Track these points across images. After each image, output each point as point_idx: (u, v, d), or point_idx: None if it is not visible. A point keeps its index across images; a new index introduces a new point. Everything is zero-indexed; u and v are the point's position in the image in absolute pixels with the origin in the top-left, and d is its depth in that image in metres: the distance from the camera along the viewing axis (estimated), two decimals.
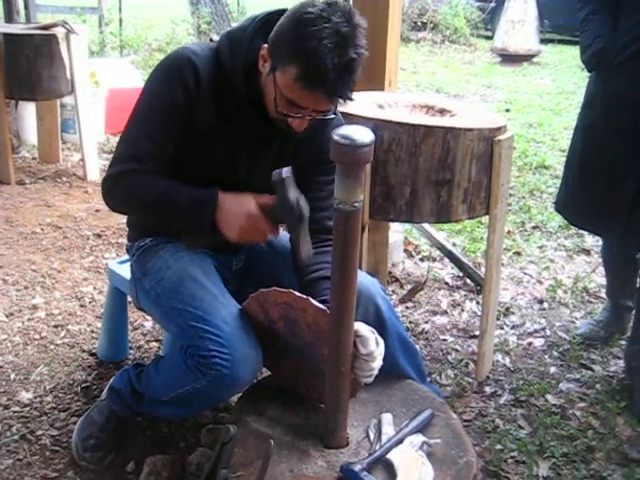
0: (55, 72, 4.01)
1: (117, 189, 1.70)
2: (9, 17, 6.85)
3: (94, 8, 9.09)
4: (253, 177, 1.74)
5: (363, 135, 1.34)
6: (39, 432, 2.02)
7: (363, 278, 1.75)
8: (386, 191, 2.15)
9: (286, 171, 1.53)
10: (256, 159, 1.73)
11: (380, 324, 1.74)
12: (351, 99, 1.54)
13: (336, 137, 1.34)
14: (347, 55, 1.45)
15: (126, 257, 2.17)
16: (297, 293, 1.57)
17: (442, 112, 2.36)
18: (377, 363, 1.54)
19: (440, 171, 2.12)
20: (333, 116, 1.64)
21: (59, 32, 4.01)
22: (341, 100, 1.53)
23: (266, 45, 1.56)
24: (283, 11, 1.60)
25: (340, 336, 1.48)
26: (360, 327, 1.54)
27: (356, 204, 1.38)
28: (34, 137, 4.78)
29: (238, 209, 1.60)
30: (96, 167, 4.35)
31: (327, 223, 1.76)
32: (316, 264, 1.74)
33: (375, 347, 1.53)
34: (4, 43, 3.86)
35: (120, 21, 9.44)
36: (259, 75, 1.61)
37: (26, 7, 7.56)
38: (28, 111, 4.79)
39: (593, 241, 3.63)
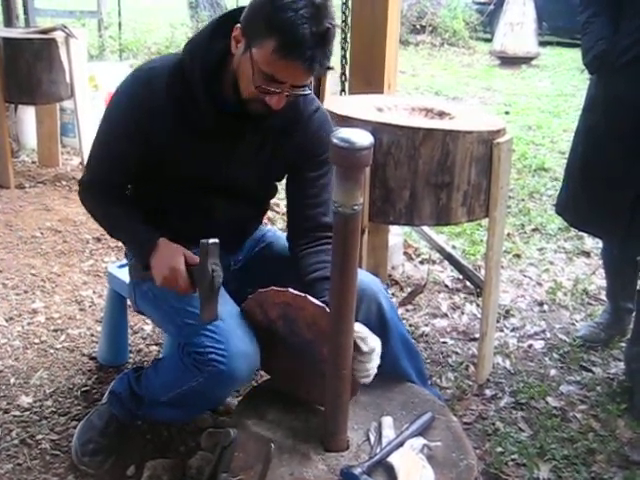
0: (54, 76, 4.01)
1: (85, 199, 1.84)
2: (8, 21, 6.85)
3: (93, 12, 9.08)
4: (235, 175, 1.75)
5: (362, 138, 1.34)
6: (39, 436, 2.02)
7: (365, 277, 1.75)
8: (385, 194, 2.15)
9: (213, 243, 1.55)
10: (232, 156, 1.73)
11: (382, 324, 1.75)
12: (329, 68, 1.56)
13: (335, 140, 1.33)
14: (323, 25, 1.47)
15: (125, 261, 2.17)
16: (295, 291, 1.57)
17: (441, 115, 2.36)
18: (374, 363, 1.54)
19: (439, 174, 2.12)
20: (309, 92, 1.63)
21: (58, 36, 4.01)
22: (320, 69, 1.52)
23: (238, 25, 1.56)
24: (240, 9, 1.61)
25: (340, 339, 1.48)
26: (358, 327, 1.54)
27: (356, 207, 1.37)
28: (34, 141, 4.78)
29: (166, 260, 1.64)
30: None
31: (323, 219, 1.76)
32: (316, 264, 1.74)
33: (374, 346, 1.53)
34: (3, 47, 3.86)
35: (119, 25, 9.44)
36: (226, 70, 1.62)
37: (25, 11, 7.56)
38: (28, 115, 4.78)
39: (593, 243, 3.63)
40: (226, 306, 1.68)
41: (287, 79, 1.53)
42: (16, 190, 4.13)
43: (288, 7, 1.45)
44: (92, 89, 4.78)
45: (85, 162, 1.89)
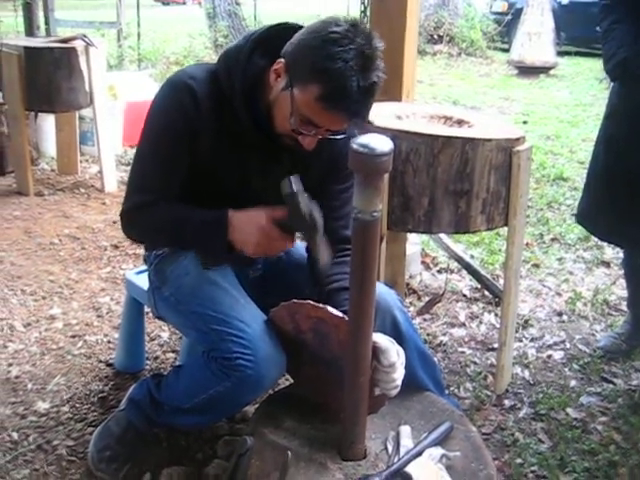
0: (74, 84, 4.05)
1: (134, 223, 1.74)
2: (30, 31, 6.95)
3: (113, 23, 9.18)
4: (267, 193, 1.73)
5: (382, 144, 1.33)
6: (55, 442, 2.02)
7: (380, 289, 1.73)
8: (404, 202, 2.14)
9: (295, 181, 1.51)
10: (266, 175, 1.72)
11: (398, 336, 1.72)
12: (369, 122, 1.55)
13: (355, 146, 1.32)
14: (371, 78, 1.45)
15: (143, 267, 2.18)
16: (333, 310, 1.55)
17: (460, 123, 2.34)
18: (399, 374, 1.52)
19: (458, 182, 2.11)
20: (342, 136, 1.62)
21: (78, 45, 4.05)
22: (360, 122, 1.54)
23: (282, 60, 1.54)
24: (281, 26, 1.61)
25: (358, 346, 1.47)
26: (379, 338, 1.53)
27: (375, 214, 1.36)
28: (53, 149, 4.82)
29: (250, 225, 1.59)
30: (114, 179, 4.38)
31: (344, 232, 1.75)
32: (335, 274, 1.73)
33: (396, 358, 1.51)
34: (25, 56, 3.91)
35: (138, 35, 9.53)
36: (262, 91, 1.61)
37: (46, 22, 7.67)
38: (47, 123, 4.83)
39: (613, 253, 3.59)
40: (250, 310, 1.68)
41: (325, 125, 1.54)
42: (35, 197, 4.17)
43: (338, 56, 1.42)
44: (111, 98, 4.82)
45: (102, 172, 1.87)
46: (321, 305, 1.57)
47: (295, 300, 1.61)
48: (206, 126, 1.63)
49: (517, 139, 2.17)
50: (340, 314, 1.54)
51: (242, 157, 1.69)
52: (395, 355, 1.52)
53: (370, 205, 1.36)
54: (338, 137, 1.60)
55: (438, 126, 2.32)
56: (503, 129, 2.29)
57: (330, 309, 1.56)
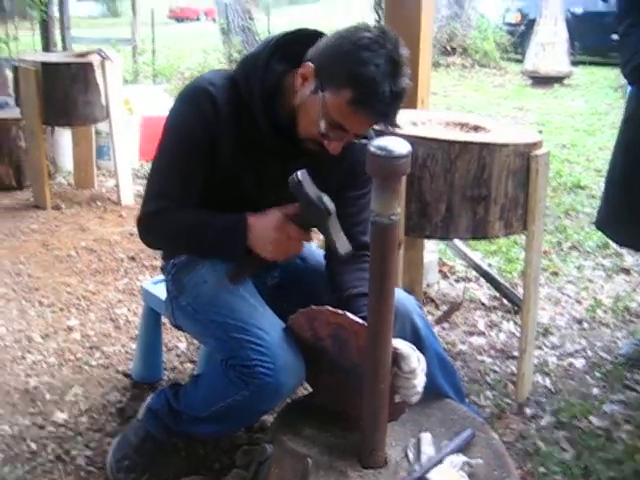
0: (90, 98, 4.09)
1: (152, 229, 1.73)
2: (47, 48, 7.05)
3: (128, 39, 9.31)
4: (285, 200, 1.73)
5: (400, 146, 1.32)
6: (74, 452, 2.02)
7: (399, 295, 1.72)
8: (421, 208, 2.13)
9: (301, 173, 1.51)
10: (285, 182, 1.71)
11: (417, 342, 1.70)
12: (398, 126, 1.55)
13: (372, 149, 1.31)
14: (400, 83, 1.47)
15: (160, 277, 2.17)
16: (352, 316, 1.54)
17: (476, 129, 2.33)
18: (420, 380, 1.50)
19: (476, 187, 2.09)
20: (367, 140, 1.62)
21: (94, 59, 4.09)
22: (389, 126, 1.54)
23: (310, 64, 1.54)
24: (298, 32, 1.62)
25: (378, 352, 1.45)
26: (400, 344, 1.51)
27: (393, 217, 1.35)
28: (70, 164, 4.86)
29: (266, 225, 1.59)
30: (130, 192, 4.40)
31: (362, 238, 1.74)
32: (353, 281, 1.72)
33: (417, 364, 1.50)
34: (42, 71, 3.95)
35: (153, 51, 9.66)
36: (281, 96, 1.61)
37: (63, 39, 7.78)
38: (64, 138, 4.88)
39: (633, 260, 3.55)
40: (268, 317, 1.67)
41: (354, 129, 1.55)
42: (52, 211, 4.20)
43: (370, 60, 1.44)
44: (127, 112, 4.85)
45: (119, 185, 1.86)
46: (340, 311, 1.55)
47: (313, 306, 1.60)
48: (225, 132, 1.63)
49: (535, 144, 2.15)
50: (359, 320, 1.53)
51: (261, 163, 1.68)
52: (416, 361, 1.50)
53: (388, 208, 1.35)
54: (362, 141, 1.60)
55: (454, 132, 2.31)
56: (520, 134, 2.27)
57: (349, 315, 1.54)
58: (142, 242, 1.78)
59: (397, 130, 1.59)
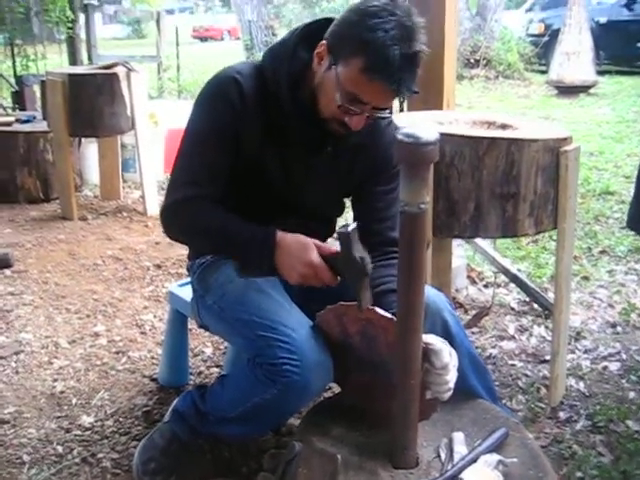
0: (116, 109, 4.12)
1: (177, 218, 1.69)
2: (74, 64, 7.17)
3: (153, 56, 9.42)
4: (307, 188, 1.71)
5: (428, 133, 1.29)
6: (100, 455, 2.00)
7: (430, 292, 1.68)
8: (449, 207, 2.09)
9: (352, 229, 1.48)
10: (310, 168, 1.71)
11: (448, 339, 1.65)
12: (415, 91, 1.51)
13: (400, 136, 1.29)
14: (413, 47, 1.45)
15: (186, 280, 2.16)
16: (381, 311, 1.51)
17: (504, 127, 2.29)
18: (452, 375, 1.46)
19: (505, 184, 2.05)
20: (390, 115, 1.61)
21: (120, 71, 4.13)
22: (406, 92, 1.50)
23: (324, 42, 1.54)
24: (322, 21, 1.62)
25: (408, 346, 1.41)
26: (431, 339, 1.47)
27: (422, 205, 1.32)
28: (96, 176, 4.91)
29: (299, 255, 1.56)
30: (156, 203, 4.41)
31: (389, 234, 1.71)
32: (382, 277, 1.68)
33: (449, 359, 1.46)
34: (68, 83, 4.00)
35: (177, 67, 9.76)
36: (306, 84, 1.60)
37: (89, 57, 7.91)
38: (90, 151, 4.93)
39: None
40: (295, 315, 1.64)
41: (371, 100, 1.52)
42: (79, 222, 4.23)
43: (378, 27, 1.44)
44: (152, 125, 4.89)
45: (144, 196, 1.83)
46: (370, 307, 1.52)
47: (342, 302, 1.57)
48: (252, 120, 1.62)
49: (564, 139, 2.11)
50: (389, 315, 1.49)
51: (286, 151, 1.67)
52: (448, 356, 1.46)
53: (417, 197, 1.31)
54: (385, 116, 1.59)
55: (481, 130, 2.28)
56: (549, 130, 2.23)
57: (378, 310, 1.51)
58: (164, 231, 1.73)
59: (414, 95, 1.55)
